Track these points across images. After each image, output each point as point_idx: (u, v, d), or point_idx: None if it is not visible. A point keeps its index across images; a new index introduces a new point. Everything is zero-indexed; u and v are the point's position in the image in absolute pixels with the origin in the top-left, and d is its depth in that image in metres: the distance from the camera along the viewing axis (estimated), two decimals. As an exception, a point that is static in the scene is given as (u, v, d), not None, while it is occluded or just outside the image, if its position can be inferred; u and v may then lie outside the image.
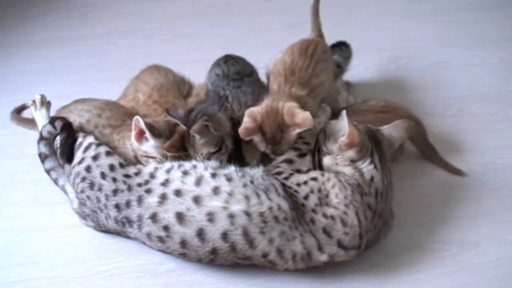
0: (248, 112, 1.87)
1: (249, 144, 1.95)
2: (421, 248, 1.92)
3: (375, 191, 1.77)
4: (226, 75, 2.08)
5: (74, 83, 2.62)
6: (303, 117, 1.78)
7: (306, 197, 1.74)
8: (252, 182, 1.76)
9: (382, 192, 1.79)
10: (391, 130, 1.88)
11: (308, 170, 1.85)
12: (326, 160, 1.86)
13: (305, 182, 1.78)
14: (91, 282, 1.83)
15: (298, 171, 1.83)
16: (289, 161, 1.85)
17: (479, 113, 2.47)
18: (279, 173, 1.83)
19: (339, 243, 1.70)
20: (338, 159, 1.82)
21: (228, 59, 2.17)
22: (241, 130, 1.82)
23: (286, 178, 1.80)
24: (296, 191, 1.76)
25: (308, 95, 2.00)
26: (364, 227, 1.72)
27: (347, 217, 1.70)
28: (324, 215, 1.71)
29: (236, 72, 2.09)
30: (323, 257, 1.70)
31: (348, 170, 1.80)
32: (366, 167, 1.79)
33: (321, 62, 2.12)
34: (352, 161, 1.80)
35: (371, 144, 1.81)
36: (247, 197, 1.70)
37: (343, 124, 1.78)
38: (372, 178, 1.78)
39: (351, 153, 1.79)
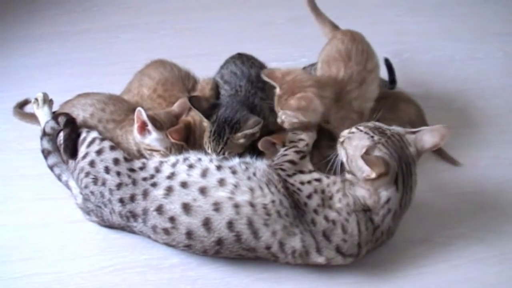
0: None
1: None
2: (426, 242, 1.92)
3: (385, 212, 1.72)
4: (248, 78, 2.09)
5: (77, 77, 2.61)
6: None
7: (309, 196, 1.73)
8: (255, 174, 1.77)
9: (396, 212, 1.73)
10: (426, 133, 1.72)
11: (310, 171, 1.84)
12: (349, 176, 1.76)
13: (309, 182, 1.77)
14: (95, 277, 1.83)
15: (301, 172, 1.82)
16: (292, 162, 1.84)
17: (483, 107, 2.45)
18: (282, 170, 1.82)
19: (337, 249, 1.70)
20: (361, 183, 1.70)
21: (245, 59, 2.18)
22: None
23: (289, 176, 1.80)
24: (299, 189, 1.75)
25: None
26: (363, 237, 1.71)
27: (348, 225, 1.70)
28: (326, 218, 1.70)
29: (257, 75, 2.08)
30: (321, 259, 1.70)
31: (363, 193, 1.71)
32: (387, 190, 1.70)
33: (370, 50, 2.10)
34: (376, 188, 1.69)
35: (397, 162, 1.67)
36: (251, 189, 1.71)
37: (365, 165, 1.63)
38: (388, 200, 1.70)
39: (378, 183, 1.67)
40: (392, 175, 1.67)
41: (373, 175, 1.63)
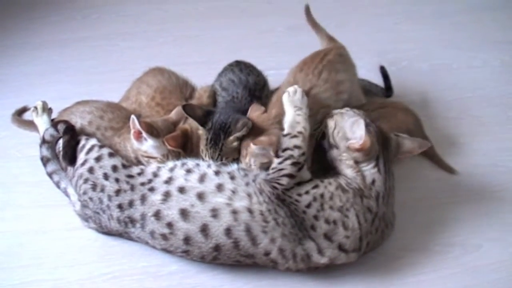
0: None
1: None
2: (424, 250, 1.92)
3: (376, 195, 1.77)
4: (245, 85, 2.11)
5: (76, 85, 2.61)
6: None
7: (308, 206, 1.72)
8: (254, 181, 1.77)
9: (384, 196, 1.78)
10: (406, 139, 1.87)
11: (309, 180, 1.78)
12: (333, 153, 1.86)
13: (307, 192, 1.74)
14: (93, 284, 1.83)
15: (299, 184, 1.77)
16: (290, 176, 1.75)
17: (480, 115, 2.46)
18: (280, 184, 1.74)
19: (340, 247, 1.70)
20: (344, 156, 1.82)
21: (243, 67, 2.20)
22: None
23: (287, 190, 1.74)
24: (297, 200, 1.73)
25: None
26: (364, 229, 1.72)
27: (348, 220, 1.70)
28: (327, 221, 1.70)
29: (254, 83, 2.12)
30: (324, 260, 1.70)
31: (350, 172, 1.80)
32: (369, 170, 1.79)
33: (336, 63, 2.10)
34: (356, 162, 1.80)
35: (379, 147, 1.80)
36: (249, 195, 1.72)
37: (359, 132, 1.75)
38: (373, 182, 1.78)
39: (357, 155, 1.79)
40: (373, 153, 1.79)
41: (359, 144, 1.76)
